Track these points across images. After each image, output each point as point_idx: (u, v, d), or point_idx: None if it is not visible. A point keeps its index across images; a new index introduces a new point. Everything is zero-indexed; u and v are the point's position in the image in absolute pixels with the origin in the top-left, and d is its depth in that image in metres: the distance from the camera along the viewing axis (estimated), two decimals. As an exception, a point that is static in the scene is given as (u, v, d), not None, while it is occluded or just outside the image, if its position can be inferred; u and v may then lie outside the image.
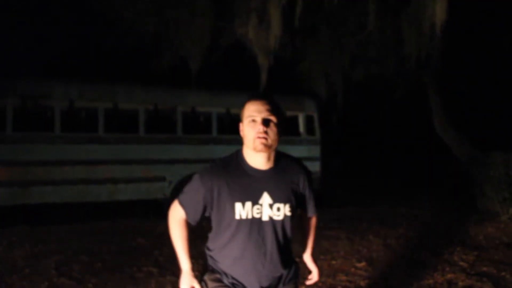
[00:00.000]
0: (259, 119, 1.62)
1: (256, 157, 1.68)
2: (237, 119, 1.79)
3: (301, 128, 8.52)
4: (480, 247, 5.16)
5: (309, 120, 8.56)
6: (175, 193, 6.91)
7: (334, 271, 4.24)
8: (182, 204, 1.75)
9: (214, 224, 1.74)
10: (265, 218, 1.69)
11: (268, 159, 1.69)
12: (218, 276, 1.74)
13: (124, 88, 7.15)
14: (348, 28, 6.64)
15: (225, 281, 1.71)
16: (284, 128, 1.71)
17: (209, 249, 1.79)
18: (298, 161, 1.81)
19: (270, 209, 1.68)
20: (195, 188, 1.71)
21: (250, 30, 6.03)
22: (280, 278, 1.76)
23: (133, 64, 8.91)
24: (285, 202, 1.70)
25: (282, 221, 1.72)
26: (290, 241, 1.79)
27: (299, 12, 5.64)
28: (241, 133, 1.70)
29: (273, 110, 1.65)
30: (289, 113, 8.52)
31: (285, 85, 8.26)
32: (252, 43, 6.31)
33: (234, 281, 1.71)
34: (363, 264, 4.49)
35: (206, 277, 1.77)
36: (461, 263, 4.54)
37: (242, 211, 1.66)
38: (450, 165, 7.66)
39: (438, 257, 4.76)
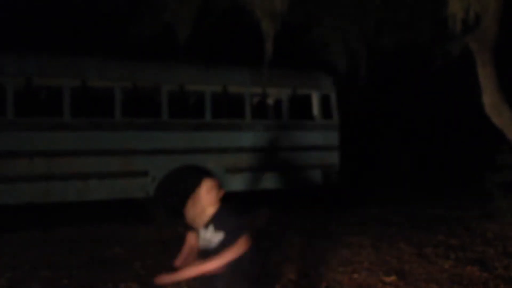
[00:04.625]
0: None
1: None
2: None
3: (315, 110, 8.50)
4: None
5: (325, 100, 8.54)
6: (160, 191, 7.00)
7: (356, 286, 4.23)
8: None
9: None
10: None
11: None
12: None
13: (96, 61, 7.10)
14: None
15: None
16: None
17: None
18: None
19: None
20: None
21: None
22: None
23: (106, 32, 8.91)
24: None
25: None
26: None
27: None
28: None
29: None
30: (300, 92, 8.48)
31: (295, 57, 8.19)
32: (254, 4, 6.24)
33: None
34: (392, 278, 4.47)
35: None
36: (520, 280, 4.49)
37: None
38: (500, 154, 7.59)
39: (490, 272, 4.69)
